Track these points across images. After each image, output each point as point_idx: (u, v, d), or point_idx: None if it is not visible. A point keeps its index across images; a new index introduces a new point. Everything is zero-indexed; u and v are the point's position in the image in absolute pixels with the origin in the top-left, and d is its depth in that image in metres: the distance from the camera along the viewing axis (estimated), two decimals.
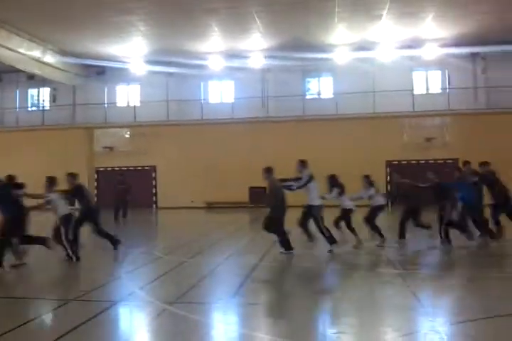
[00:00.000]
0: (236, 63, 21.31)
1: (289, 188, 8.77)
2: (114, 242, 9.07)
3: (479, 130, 19.97)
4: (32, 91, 24.59)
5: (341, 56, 20.81)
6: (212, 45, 20.12)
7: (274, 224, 8.36)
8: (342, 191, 9.33)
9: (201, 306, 5.34)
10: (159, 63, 21.83)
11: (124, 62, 21.73)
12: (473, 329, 4.33)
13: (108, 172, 22.49)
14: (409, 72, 22.14)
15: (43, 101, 24.44)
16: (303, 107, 22.14)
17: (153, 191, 23.25)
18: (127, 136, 22.94)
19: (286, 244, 8.32)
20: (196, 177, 22.19)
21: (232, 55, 20.98)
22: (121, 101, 23.89)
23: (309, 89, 23.67)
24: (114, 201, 15.98)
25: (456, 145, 20.03)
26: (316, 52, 19.90)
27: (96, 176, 23.49)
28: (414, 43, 19.83)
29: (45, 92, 24.31)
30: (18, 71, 21.33)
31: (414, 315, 4.88)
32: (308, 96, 23.36)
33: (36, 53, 18.84)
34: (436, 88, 22.44)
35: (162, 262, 8.16)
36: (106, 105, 23.59)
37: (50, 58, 19.69)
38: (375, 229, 9.32)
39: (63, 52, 20.43)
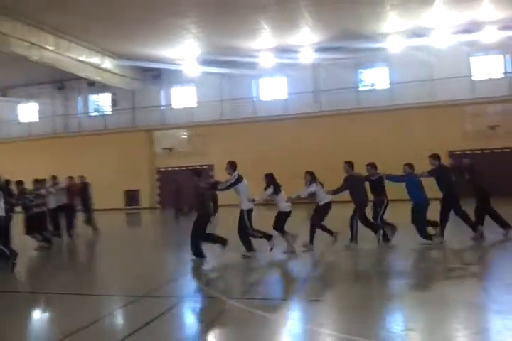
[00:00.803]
0: (287, 59, 21.27)
1: (217, 188, 8.64)
2: None
3: None
4: (93, 97, 25.77)
5: (395, 45, 20.20)
6: (263, 42, 20.19)
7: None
8: (277, 191, 8.61)
9: (266, 302, 5.43)
10: (212, 63, 22.22)
11: (178, 64, 22.31)
12: None
13: (168, 172, 23.26)
14: (467, 58, 21.10)
15: (104, 106, 25.56)
16: (356, 99, 21.75)
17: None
18: (185, 136, 23.58)
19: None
20: (252, 175, 22.34)
21: (282, 50, 20.96)
22: (177, 103, 24.54)
23: (362, 80, 23.19)
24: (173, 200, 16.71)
25: None
26: (368, 42, 19.46)
27: (157, 176, 24.39)
28: (472, 27, 18.88)
29: (106, 98, 25.42)
30: (80, 78, 22.50)
31: (485, 312, 4.72)
32: (361, 88, 22.90)
33: (95, 60, 19.74)
34: (497, 73, 21.26)
35: (223, 259, 8.31)
36: (163, 107, 24.34)
37: (108, 64, 20.57)
38: (325, 230, 8.72)
39: (120, 58, 21.28)
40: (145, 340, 4.32)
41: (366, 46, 19.69)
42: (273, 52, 21.25)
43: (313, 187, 8.75)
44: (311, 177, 8.90)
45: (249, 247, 8.12)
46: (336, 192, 8.90)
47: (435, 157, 9.11)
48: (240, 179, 8.37)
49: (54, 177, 12.26)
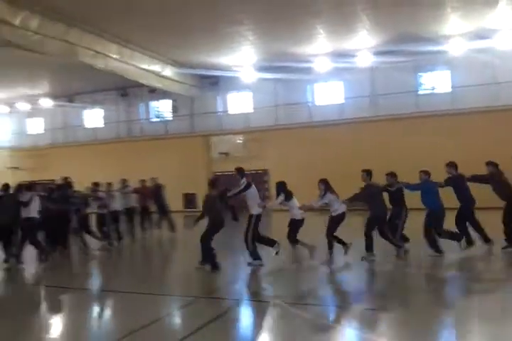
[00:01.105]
0: (343, 63, 21.09)
1: (227, 196, 8.64)
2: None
3: None
4: (154, 104, 26.77)
5: (457, 47, 19.47)
6: (318, 47, 20.13)
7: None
8: (288, 198, 8.66)
9: (322, 308, 5.47)
10: (268, 69, 22.47)
11: (235, 71, 22.74)
12: None
13: (225, 177, 23.68)
14: None
15: (165, 112, 26.47)
16: (415, 103, 21.17)
17: (266, 194, 23.91)
18: (241, 141, 23.93)
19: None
20: (306, 180, 22.28)
21: (338, 55, 20.81)
22: (234, 109, 24.98)
23: (422, 84, 22.52)
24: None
25: None
26: (429, 44, 18.84)
27: None
28: None
29: (166, 104, 26.32)
30: (142, 85, 23.44)
31: None
32: (421, 92, 22.25)
33: (156, 68, 20.49)
34: None
35: (277, 264, 8.40)
36: (220, 113, 24.86)
37: (168, 72, 21.30)
38: (338, 241, 8.48)
39: (181, 66, 21.97)
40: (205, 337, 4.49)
41: (426, 49, 19.09)
42: (329, 56, 21.14)
43: (327, 199, 8.63)
44: (326, 186, 8.78)
45: (253, 255, 8.16)
46: (351, 200, 8.72)
47: (451, 165, 8.85)
48: (248, 186, 8.52)
49: (124, 181, 12.68)
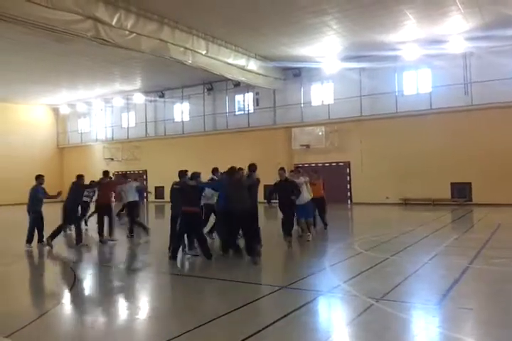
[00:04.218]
0: (433, 50, 20.02)
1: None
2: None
3: None
4: (238, 97, 27.33)
5: None
6: (407, 33, 19.27)
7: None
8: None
9: (408, 305, 5.30)
10: (352, 59, 21.99)
11: (317, 62, 22.51)
12: None
13: (304, 169, 23.64)
14: None
15: (248, 105, 26.95)
16: None
17: (348, 186, 23.54)
18: (322, 133, 23.70)
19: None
20: (391, 173, 21.74)
21: (428, 41, 19.78)
22: (315, 101, 24.76)
23: None
24: None
25: None
26: None
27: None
28: None
29: (249, 97, 26.76)
30: (226, 80, 24.09)
31: None
32: None
33: (241, 62, 20.86)
34: None
35: (364, 257, 8.26)
36: (302, 105, 24.78)
37: (252, 65, 21.59)
38: None
39: (264, 59, 22.20)
40: (286, 329, 4.56)
41: None
42: (418, 43, 20.16)
43: None
44: None
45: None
46: None
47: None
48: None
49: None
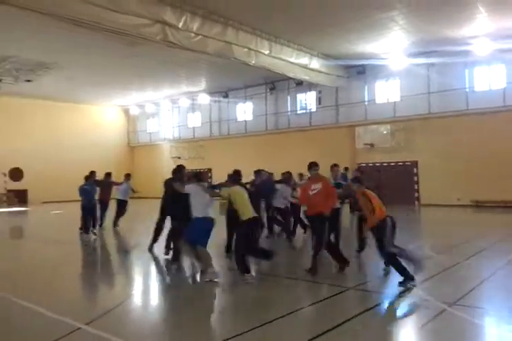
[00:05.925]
0: (507, 45, 18.89)
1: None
2: None
3: None
4: (300, 96, 27.26)
5: None
6: (478, 27, 18.32)
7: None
8: None
9: (482, 311, 5.11)
10: (419, 55, 21.24)
11: (382, 58, 21.96)
12: None
13: (369, 168, 23.20)
14: None
15: (310, 104, 26.80)
16: None
17: (415, 187, 22.77)
18: (387, 131, 23.09)
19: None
20: (462, 173, 20.77)
21: (502, 35, 18.69)
22: (380, 98, 24.17)
23: None
24: None
25: None
26: None
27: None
28: None
29: (311, 96, 26.61)
30: (289, 78, 24.10)
31: None
32: None
33: (303, 61, 20.78)
34: None
35: (434, 261, 8.02)
36: (366, 103, 24.28)
37: (315, 64, 21.43)
38: None
39: (326, 57, 21.97)
40: (355, 329, 4.55)
41: None
42: (490, 37, 19.11)
43: None
44: None
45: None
46: None
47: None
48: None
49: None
